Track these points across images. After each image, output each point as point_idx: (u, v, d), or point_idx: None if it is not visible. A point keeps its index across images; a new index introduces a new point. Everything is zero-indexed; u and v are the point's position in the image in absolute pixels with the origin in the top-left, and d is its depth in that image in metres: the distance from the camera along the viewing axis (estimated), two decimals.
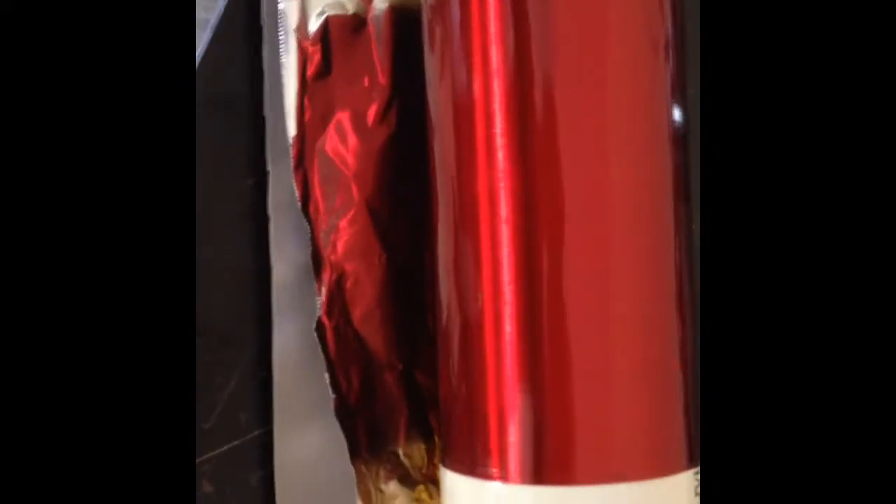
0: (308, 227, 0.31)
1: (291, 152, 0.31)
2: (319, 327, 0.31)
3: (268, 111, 0.32)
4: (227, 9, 0.32)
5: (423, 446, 0.33)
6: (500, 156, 0.28)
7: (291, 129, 0.31)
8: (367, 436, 0.32)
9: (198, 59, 0.33)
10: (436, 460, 0.33)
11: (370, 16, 0.32)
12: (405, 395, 0.33)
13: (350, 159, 0.32)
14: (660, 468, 0.28)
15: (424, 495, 0.33)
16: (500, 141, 0.27)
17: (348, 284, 0.32)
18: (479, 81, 0.28)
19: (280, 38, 0.31)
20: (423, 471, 0.33)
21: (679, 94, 0.29)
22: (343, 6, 0.31)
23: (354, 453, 0.31)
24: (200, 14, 0.33)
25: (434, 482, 0.33)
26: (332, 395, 0.31)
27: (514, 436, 0.27)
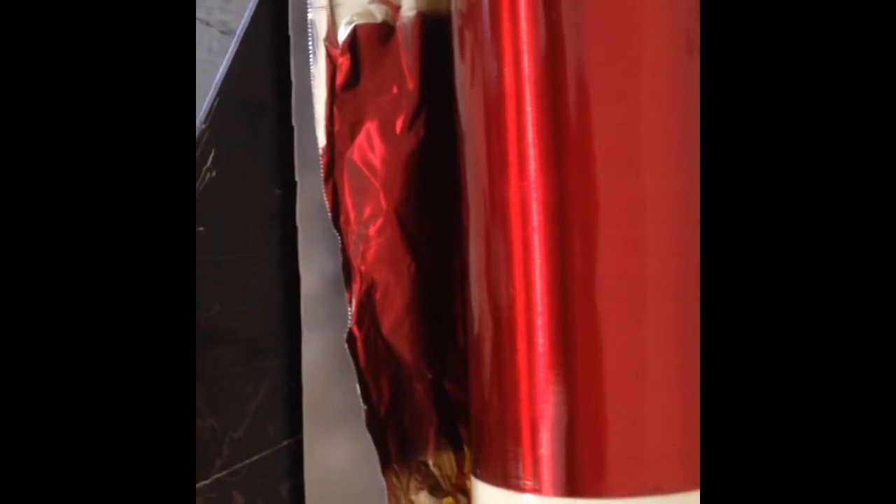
0: (339, 238, 0.31)
1: (321, 162, 0.31)
2: (350, 338, 0.31)
3: (296, 121, 0.32)
4: (254, 18, 0.33)
5: (452, 456, 0.33)
6: (532, 164, 0.27)
7: (321, 140, 0.31)
8: (396, 446, 0.32)
9: (225, 69, 0.33)
10: (465, 470, 0.32)
11: (398, 23, 0.32)
12: (434, 404, 0.32)
13: (378, 168, 0.32)
14: (695, 480, 0.27)
15: None
16: (532, 151, 0.27)
17: (378, 294, 0.32)
18: (511, 89, 0.28)
19: (309, 47, 0.31)
20: (453, 480, 0.33)
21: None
22: (371, 14, 0.31)
23: (385, 464, 0.31)
24: (217, 15, 0.33)
25: (464, 492, 0.33)
26: (363, 407, 0.31)
27: (548, 448, 0.27)
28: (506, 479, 0.28)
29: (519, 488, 0.28)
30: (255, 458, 0.33)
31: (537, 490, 0.27)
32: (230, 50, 0.33)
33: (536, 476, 0.27)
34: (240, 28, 0.33)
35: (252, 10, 0.33)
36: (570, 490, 0.27)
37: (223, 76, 0.33)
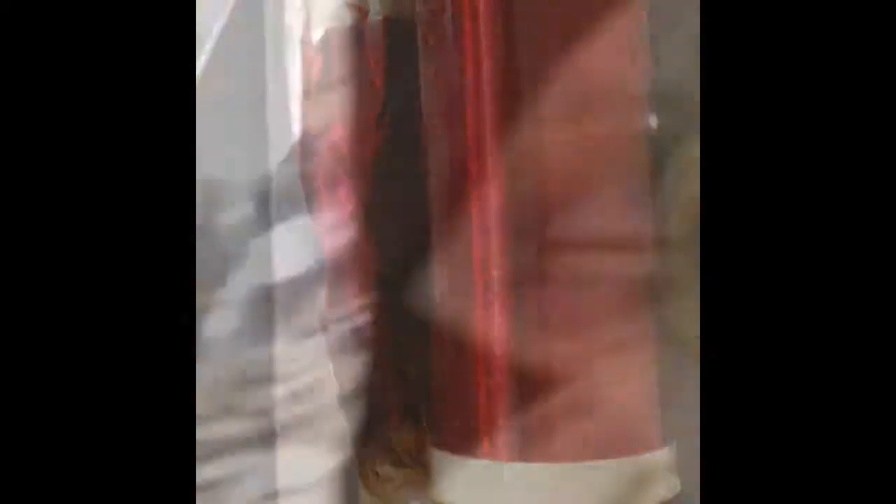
0: (312, 227, 0.33)
1: (296, 155, 0.33)
2: (323, 321, 0.33)
3: (271, 116, 0.33)
4: (231, 19, 0.34)
5: (412, 432, 0.34)
6: (489, 157, 0.29)
7: (296, 133, 0.33)
8: (364, 420, 0.33)
9: (203, 66, 0.34)
10: (424, 445, 0.34)
11: (366, 26, 0.33)
12: (397, 385, 0.34)
13: (348, 161, 0.33)
14: (636, 446, 0.29)
15: (414, 479, 0.34)
16: (489, 146, 0.29)
17: (347, 281, 0.33)
18: (471, 89, 0.30)
19: (286, 47, 0.33)
20: (413, 455, 0.34)
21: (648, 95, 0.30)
22: (342, 18, 0.33)
23: (354, 436, 0.33)
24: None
25: (422, 465, 0.34)
26: (336, 385, 0.33)
27: (502, 418, 0.29)
28: (464, 447, 0.30)
29: (476, 455, 0.30)
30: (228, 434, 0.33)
31: (492, 455, 0.29)
32: (207, 49, 0.34)
33: (492, 443, 0.29)
34: (216, 28, 0.34)
35: (228, 13, 0.34)
36: (522, 455, 0.29)
37: (202, 72, 0.34)
